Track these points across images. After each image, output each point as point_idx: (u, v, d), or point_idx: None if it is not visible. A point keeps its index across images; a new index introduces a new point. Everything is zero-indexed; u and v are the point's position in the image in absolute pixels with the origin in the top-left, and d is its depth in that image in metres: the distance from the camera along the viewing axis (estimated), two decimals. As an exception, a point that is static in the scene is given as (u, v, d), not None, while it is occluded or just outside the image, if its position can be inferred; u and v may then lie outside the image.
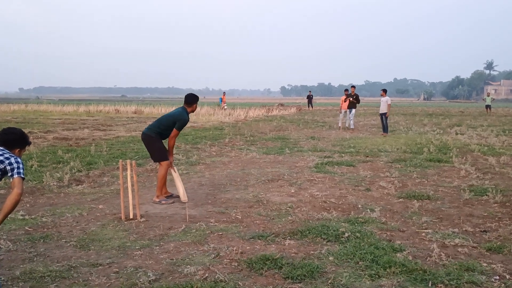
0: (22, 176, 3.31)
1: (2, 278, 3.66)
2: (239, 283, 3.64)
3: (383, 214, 5.71)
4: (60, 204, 6.21)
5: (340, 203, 6.30)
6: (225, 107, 34.18)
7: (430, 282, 3.64)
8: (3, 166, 3.30)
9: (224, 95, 38.29)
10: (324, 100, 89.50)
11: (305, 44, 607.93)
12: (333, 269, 3.93)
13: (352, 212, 5.83)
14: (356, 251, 4.28)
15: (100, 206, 6.10)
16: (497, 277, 3.78)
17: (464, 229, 5.13)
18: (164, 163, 6.32)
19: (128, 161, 5.68)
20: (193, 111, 6.67)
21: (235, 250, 4.36)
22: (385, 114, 16.46)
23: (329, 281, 3.66)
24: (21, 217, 5.45)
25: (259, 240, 4.69)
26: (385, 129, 16.61)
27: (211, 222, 5.34)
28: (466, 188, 7.16)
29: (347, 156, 10.84)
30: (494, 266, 4.02)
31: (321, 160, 10.16)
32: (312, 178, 8.05)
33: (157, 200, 6.31)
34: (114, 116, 28.20)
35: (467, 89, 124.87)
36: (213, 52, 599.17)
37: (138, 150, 11.38)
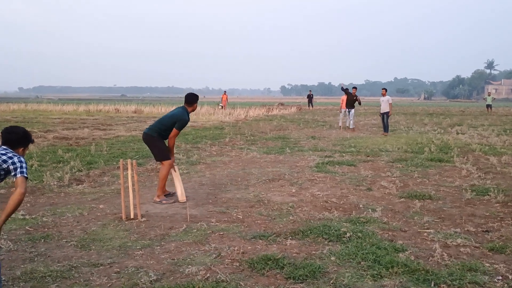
0: (25, 175, 3.29)
1: (3, 278, 3.65)
2: (241, 283, 3.63)
3: (384, 214, 5.70)
4: (60, 204, 6.21)
5: (341, 203, 6.29)
6: (220, 106, 33.76)
7: (433, 282, 3.63)
8: (6, 166, 3.29)
9: (224, 93, 37.79)
10: (324, 100, 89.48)
11: (305, 44, 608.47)
12: (335, 269, 3.92)
13: (353, 212, 5.82)
14: (358, 251, 4.27)
15: (101, 206, 6.09)
16: (500, 277, 3.77)
17: (466, 229, 5.12)
18: (166, 162, 6.31)
19: (128, 161, 5.68)
20: (193, 111, 6.66)
21: (237, 250, 4.36)
22: (387, 113, 16.43)
23: (331, 281, 3.65)
24: (21, 217, 5.44)
25: (260, 240, 4.68)
26: (385, 128, 16.60)
27: (212, 222, 5.33)
28: (467, 188, 7.15)
29: (348, 155, 10.83)
30: (497, 266, 4.01)
31: (322, 159, 10.15)
32: (313, 178, 8.04)
33: (158, 199, 6.30)
34: (114, 115, 28.19)
35: (467, 88, 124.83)
36: (213, 52, 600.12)
37: (138, 149, 11.37)
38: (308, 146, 12.70)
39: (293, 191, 7.04)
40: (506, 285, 3.63)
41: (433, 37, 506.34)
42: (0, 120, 21.52)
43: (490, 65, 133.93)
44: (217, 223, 5.29)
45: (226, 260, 4.12)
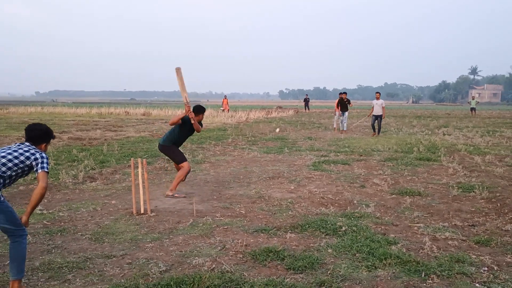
0: (46, 170, 3.29)
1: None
2: (244, 273, 3.62)
3: (377, 209, 5.69)
4: (75, 200, 6.20)
5: (337, 199, 6.28)
6: (222, 109, 33.63)
7: (423, 273, 3.62)
8: (29, 162, 3.29)
9: (225, 98, 37.55)
10: (319, 103, 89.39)
11: (302, 50, 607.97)
12: (332, 260, 3.92)
13: (348, 207, 5.81)
14: (353, 243, 4.26)
15: (113, 202, 6.08)
16: (486, 268, 3.77)
17: (453, 223, 5.11)
18: (185, 164, 6.35)
19: (139, 160, 5.66)
20: (199, 120, 6.62)
21: (240, 242, 4.35)
22: (380, 116, 16.35)
23: (328, 272, 3.64)
24: (39, 212, 5.43)
25: (262, 234, 4.67)
26: (378, 130, 16.49)
27: (217, 217, 5.32)
28: (454, 185, 7.14)
29: (342, 155, 10.81)
30: (483, 258, 4.00)
31: (318, 159, 10.13)
32: (310, 176, 8.03)
33: (171, 194, 6.32)
34: (124, 117, 28.13)
35: (452, 92, 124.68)
36: (216, 57, 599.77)
37: (147, 149, 11.35)
38: (305, 146, 12.68)
39: (292, 188, 7.03)
40: (491, 275, 3.62)
41: (420, 44, 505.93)
42: (19, 122, 21.52)
43: (473, 71, 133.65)
44: (221, 218, 5.28)
45: (231, 252, 4.11)
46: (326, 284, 3.42)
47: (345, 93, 18.73)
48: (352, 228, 4.76)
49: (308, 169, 8.79)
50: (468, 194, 6.61)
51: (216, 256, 4.00)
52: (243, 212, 5.57)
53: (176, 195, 6.34)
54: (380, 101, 16.41)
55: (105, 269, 3.72)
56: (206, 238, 4.52)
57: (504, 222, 5.14)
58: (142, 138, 14.37)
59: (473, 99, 35.91)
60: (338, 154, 10.99)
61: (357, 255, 4.02)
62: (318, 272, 3.66)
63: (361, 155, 10.75)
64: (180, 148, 6.63)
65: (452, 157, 10.33)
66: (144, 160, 5.62)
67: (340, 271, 3.66)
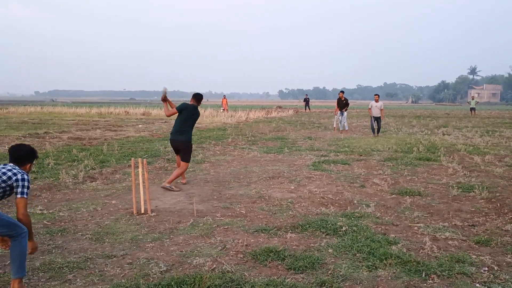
0: (25, 196, 3.28)
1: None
2: (245, 273, 3.62)
3: (377, 209, 5.69)
4: (75, 200, 6.19)
5: (337, 199, 6.28)
6: (222, 109, 33.63)
7: (424, 273, 3.62)
8: (10, 182, 3.29)
9: (224, 97, 37.48)
10: (319, 103, 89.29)
11: (302, 50, 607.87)
12: (333, 260, 3.91)
13: (348, 207, 5.81)
14: (354, 243, 4.26)
15: (113, 202, 6.07)
16: (486, 268, 3.77)
17: (453, 223, 5.11)
18: (188, 164, 7.08)
19: (139, 160, 5.66)
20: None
21: (240, 242, 4.34)
22: (379, 117, 16.32)
23: (329, 272, 3.64)
24: (39, 212, 5.43)
25: (262, 233, 4.66)
26: (378, 130, 16.48)
27: (217, 217, 5.31)
28: (454, 185, 7.14)
29: (342, 155, 10.81)
30: (483, 258, 4.00)
31: (318, 158, 10.13)
32: (310, 176, 8.02)
33: (168, 185, 6.47)
34: (124, 117, 28.11)
35: (452, 92, 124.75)
36: (216, 57, 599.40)
37: (147, 149, 11.34)
38: (305, 146, 12.68)
39: (292, 188, 7.03)
40: (491, 275, 3.62)
41: (420, 44, 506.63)
42: (18, 122, 21.49)
43: (473, 71, 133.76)
44: (222, 218, 5.28)
45: (231, 252, 4.11)
46: (326, 284, 3.41)
47: (342, 92, 18.67)
48: (352, 228, 4.76)
49: (308, 169, 8.79)
50: (468, 194, 6.61)
51: (216, 256, 3.99)
52: (244, 212, 5.57)
53: (173, 187, 6.72)
54: (380, 103, 16.26)
55: (105, 269, 3.72)
56: (206, 238, 4.52)
57: (504, 222, 5.14)
58: (142, 138, 14.35)
59: (472, 99, 35.95)
60: (338, 154, 10.99)
61: (357, 255, 4.02)
62: (318, 272, 3.66)
63: (361, 155, 10.75)
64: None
65: (451, 157, 10.33)
66: (144, 160, 5.62)
67: (340, 271, 3.66)
